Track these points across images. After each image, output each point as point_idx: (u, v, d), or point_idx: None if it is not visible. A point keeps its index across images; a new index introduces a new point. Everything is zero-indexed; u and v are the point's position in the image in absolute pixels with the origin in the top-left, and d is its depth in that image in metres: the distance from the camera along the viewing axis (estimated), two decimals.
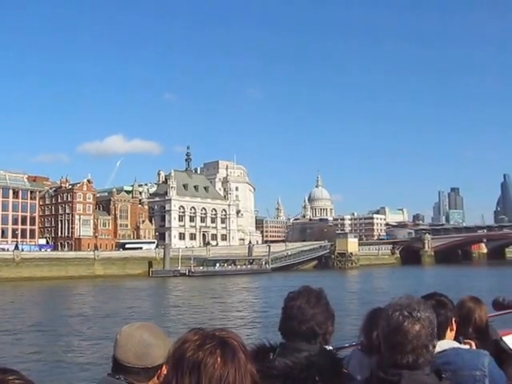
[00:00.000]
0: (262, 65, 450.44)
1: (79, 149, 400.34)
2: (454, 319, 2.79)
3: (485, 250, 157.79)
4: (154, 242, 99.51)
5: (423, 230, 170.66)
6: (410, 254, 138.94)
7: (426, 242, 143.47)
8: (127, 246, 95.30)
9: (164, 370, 1.99)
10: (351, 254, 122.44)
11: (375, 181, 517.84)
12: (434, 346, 1.97)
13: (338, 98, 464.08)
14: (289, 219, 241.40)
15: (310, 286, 2.54)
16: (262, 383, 1.50)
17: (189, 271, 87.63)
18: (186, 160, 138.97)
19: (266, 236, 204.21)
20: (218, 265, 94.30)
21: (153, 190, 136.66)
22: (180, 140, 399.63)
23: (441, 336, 2.51)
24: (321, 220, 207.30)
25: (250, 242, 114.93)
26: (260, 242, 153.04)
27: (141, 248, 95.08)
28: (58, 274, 79.85)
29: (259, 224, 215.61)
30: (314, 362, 2.21)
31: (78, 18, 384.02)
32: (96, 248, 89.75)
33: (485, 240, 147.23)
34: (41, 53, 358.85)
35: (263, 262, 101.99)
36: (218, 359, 1.38)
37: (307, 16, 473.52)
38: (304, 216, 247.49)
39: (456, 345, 2.62)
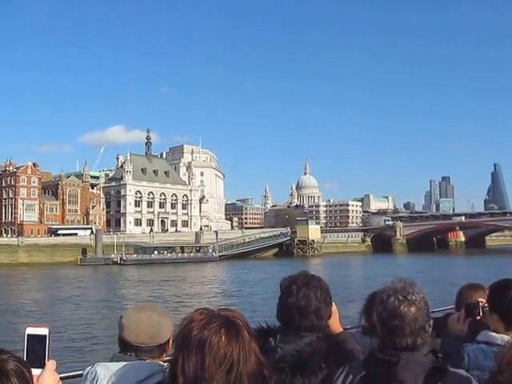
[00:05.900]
0: (256, 58, 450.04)
1: (80, 139, 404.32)
2: None
3: (463, 239, 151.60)
4: (89, 228, 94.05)
5: (401, 217, 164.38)
6: (382, 242, 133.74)
7: (398, 229, 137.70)
8: (60, 232, 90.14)
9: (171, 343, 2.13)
10: (313, 241, 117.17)
11: (369, 170, 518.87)
12: (430, 326, 1.94)
13: (333, 90, 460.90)
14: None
15: (308, 272, 2.42)
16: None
17: (120, 259, 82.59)
18: (146, 144, 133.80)
19: (246, 223, 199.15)
20: (156, 252, 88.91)
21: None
22: (176, 130, 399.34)
23: None
24: (296, 207, 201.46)
25: (200, 228, 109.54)
26: (229, 228, 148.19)
27: (76, 234, 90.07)
28: None
29: (238, 211, 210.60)
30: (318, 349, 2.18)
31: (79, 12, 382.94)
32: (20, 233, 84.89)
33: (457, 228, 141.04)
34: (43, 46, 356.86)
35: (210, 250, 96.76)
36: (223, 338, 1.39)
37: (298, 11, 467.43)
38: (291, 203, 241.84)
39: None
